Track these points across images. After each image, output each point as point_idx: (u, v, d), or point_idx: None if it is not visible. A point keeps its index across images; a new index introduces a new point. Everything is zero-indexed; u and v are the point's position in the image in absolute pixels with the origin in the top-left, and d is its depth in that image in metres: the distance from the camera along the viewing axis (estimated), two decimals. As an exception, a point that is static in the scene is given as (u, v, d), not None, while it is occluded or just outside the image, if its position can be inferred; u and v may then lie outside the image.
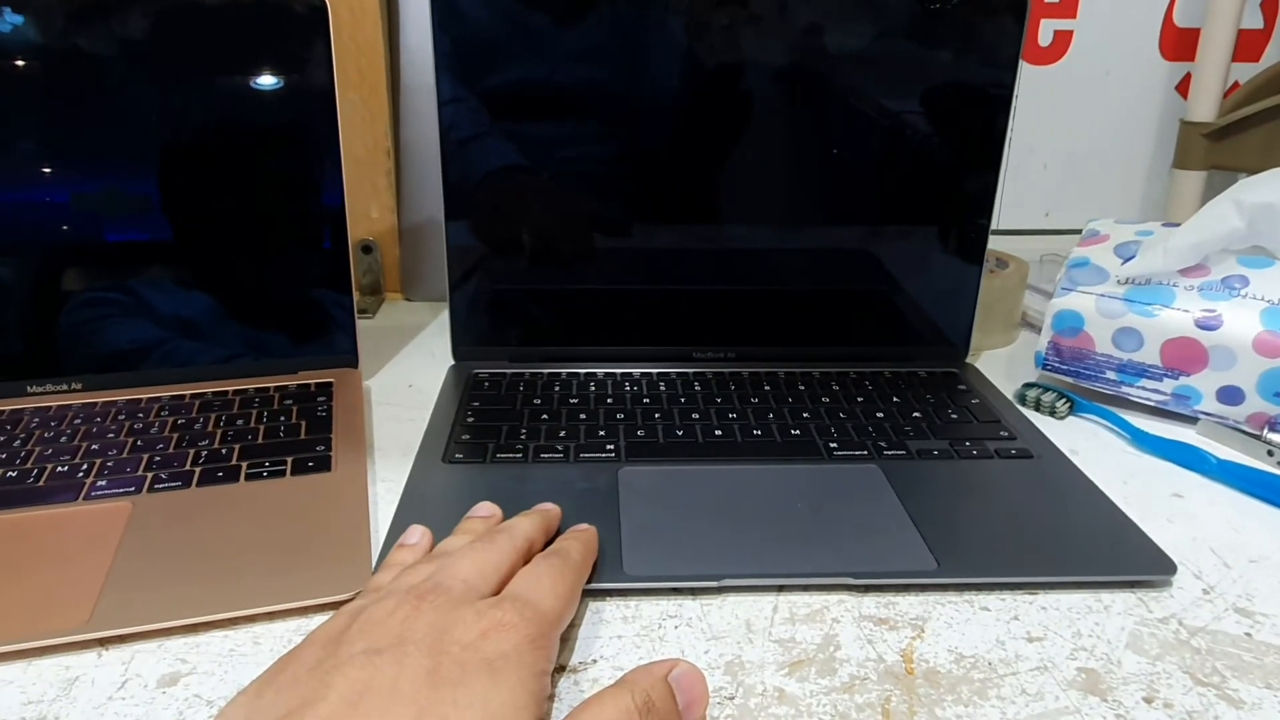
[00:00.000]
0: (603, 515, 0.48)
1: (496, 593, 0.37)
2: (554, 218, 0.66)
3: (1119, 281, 0.62)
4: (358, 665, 0.32)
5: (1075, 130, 0.93)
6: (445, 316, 0.79)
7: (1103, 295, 0.62)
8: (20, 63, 0.56)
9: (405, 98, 0.81)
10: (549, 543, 0.43)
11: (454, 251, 0.64)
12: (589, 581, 0.42)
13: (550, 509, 0.46)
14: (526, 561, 0.40)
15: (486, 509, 0.46)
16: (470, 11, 0.60)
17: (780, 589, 0.44)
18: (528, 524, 0.42)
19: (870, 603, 0.43)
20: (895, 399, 0.62)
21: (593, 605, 0.43)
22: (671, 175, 0.64)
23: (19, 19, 0.56)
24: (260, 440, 0.55)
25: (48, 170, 0.58)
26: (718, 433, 0.57)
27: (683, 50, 0.61)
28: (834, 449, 0.55)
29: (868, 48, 0.62)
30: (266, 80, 0.60)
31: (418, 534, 0.44)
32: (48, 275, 0.59)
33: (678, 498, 0.50)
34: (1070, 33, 0.90)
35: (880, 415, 0.60)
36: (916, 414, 0.60)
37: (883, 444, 0.56)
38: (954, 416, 0.60)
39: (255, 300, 0.63)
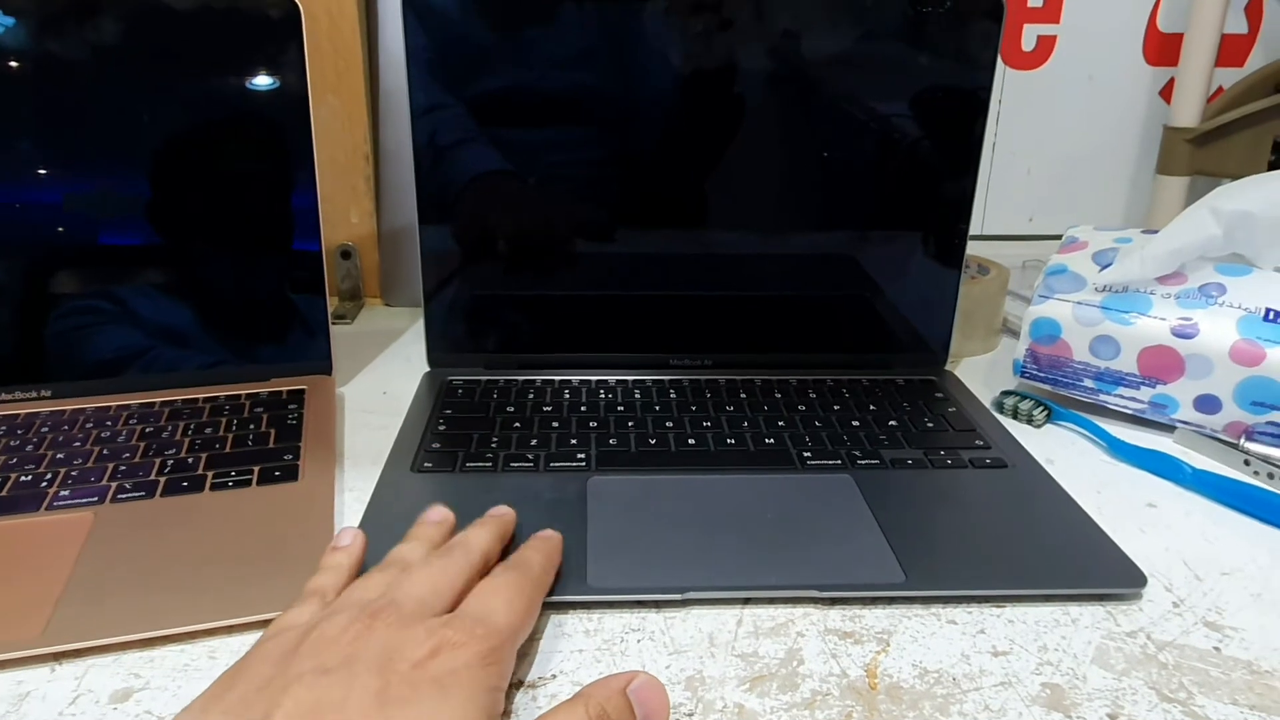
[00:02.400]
0: (569, 526, 0.47)
1: (451, 608, 0.36)
2: (530, 223, 0.65)
3: (1096, 289, 0.62)
4: (306, 685, 0.31)
5: (1059, 135, 0.93)
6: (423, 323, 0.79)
7: (1080, 303, 0.62)
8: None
9: (384, 102, 0.80)
10: (509, 549, 0.43)
11: (429, 257, 0.64)
12: (550, 594, 0.42)
13: (505, 514, 0.45)
14: (484, 574, 0.40)
15: (438, 514, 0.45)
16: (443, 17, 0.59)
17: (745, 602, 0.43)
18: (483, 536, 0.42)
19: (836, 616, 0.43)
20: (872, 407, 0.62)
21: (554, 618, 0.42)
22: (649, 181, 0.64)
23: (9, 21, 0.55)
24: (228, 449, 0.54)
25: (9, 173, 0.57)
26: (691, 441, 0.57)
27: (662, 55, 0.61)
28: (807, 458, 0.55)
29: (846, 52, 0.61)
30: (239, 84, 0.60)
31: (349, 537, 0.43)
32: (4, 281, 0.58)
33: (646, 508, 0.50)
34: (1054, 38, 0.90)
35: (855, 424, 0.59)
36: (892, 422, 0.59)
37: (856, 453, 0.55)
38: (930, 425, 0.59)
39: (227, 306, 0.63)
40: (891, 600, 0.43)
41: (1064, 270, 0.64)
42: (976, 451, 0.56)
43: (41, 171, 0.58)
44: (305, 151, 0.62)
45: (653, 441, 0.57)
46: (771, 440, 0.57)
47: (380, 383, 0.68)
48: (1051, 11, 0.89)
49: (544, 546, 0.43)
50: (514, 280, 0.66)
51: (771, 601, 0.43)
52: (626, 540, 0.46)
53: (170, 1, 0.58)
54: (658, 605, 0.43)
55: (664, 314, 0.67)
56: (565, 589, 0.43)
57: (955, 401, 0.63)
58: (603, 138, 0.63)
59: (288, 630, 0.35)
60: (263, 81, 0.60)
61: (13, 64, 0.56)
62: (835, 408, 0.61)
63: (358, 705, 0.31)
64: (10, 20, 0.56)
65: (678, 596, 0.43)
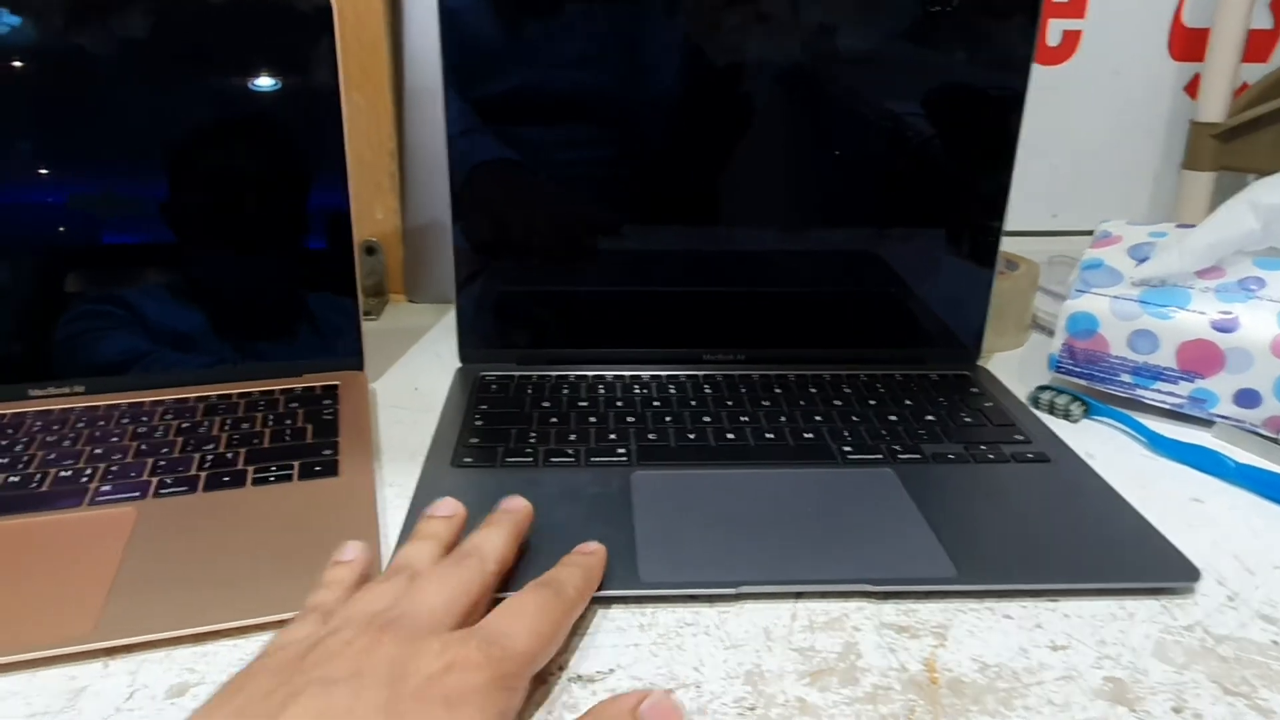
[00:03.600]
0: (616, 520, 0.47)
1: (464, 620, 0.35)
2: (562, 219, 0.65)
3: (1133, 283, 0.61)
4: (311, 694, 0.30)
5: (1083, 131, 0.93)
6: (450, 319, 0.78)
7: (1117, 297, 0.61)
8: (19, 63, 0.55)
9: (409, 98, 0.80)
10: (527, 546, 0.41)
11: (461, 254, 0.64)
12: (601, 588, 0.42)
13: (519, 509, 0.43)
14: (500, 579, 0.38)
15: (448, 507, 0.43)
16: (478, 13, 0.59)
17: (798, 596, 0.43)
18: (497, 540, 0.40)
19: (890, 610, 0.42)
20: (908, 401, 0.61)
21: (606, 612, 0.42)
22: (681, 176, 0.64)
23: (15, 20, 0.55)
24: (266, 444, 0.54)
25: (46, 172, 0.57)
26: (729, 436, 0.56)
27: (693, 52, 0.61)
28: (847, 452, 0.55)
29: (879, 48, 0.61)
30: (271, 81, 0.59)
31: (353, 551, 0.41)
32: (49, 277, 0.58)
33: (691, 502, 0.49)
34: (1079, 32, 0.90)
35: (893, 418, 0.59)
36: (930, 417, 0.59)
37: (896, 447, 0.55)
38: (968, 420, 0.59)
39: (259, 302, 0.63)
40: (944, 594, 0.43)
41: (1100, 265, 0.64)
42: (1017, 446, 0.56)
43: (76, 169, 0.57)
44: (337, 147, 0.61)
45: (692, 436, 0.56)
46: (810, 435, 0.57)
47: (410, 378, 0.67)
48: (1077, 6, 0.89)
49: (584, 564, 0.41)
50: (546, 276, 0.65)
51: (824, 595, 0.43)
52: (675, 534, 0.46)
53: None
54: (710, 600, 0.43)
55: (696, 309, 0.67)
56: (616, 583, 0.43)
57: (991, 396, 0.63)
58: (636, 133, 0.63)
59: (289, 645, 0.33)
60: (295, 78, 0.60)
61: (41, 62, 0.56)
62: (871, 402, 0.61)
63: (364, 716, 0.30)
64: (36, 19, 0.55)
65: (730, 591, 0.43)
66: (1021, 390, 0.65)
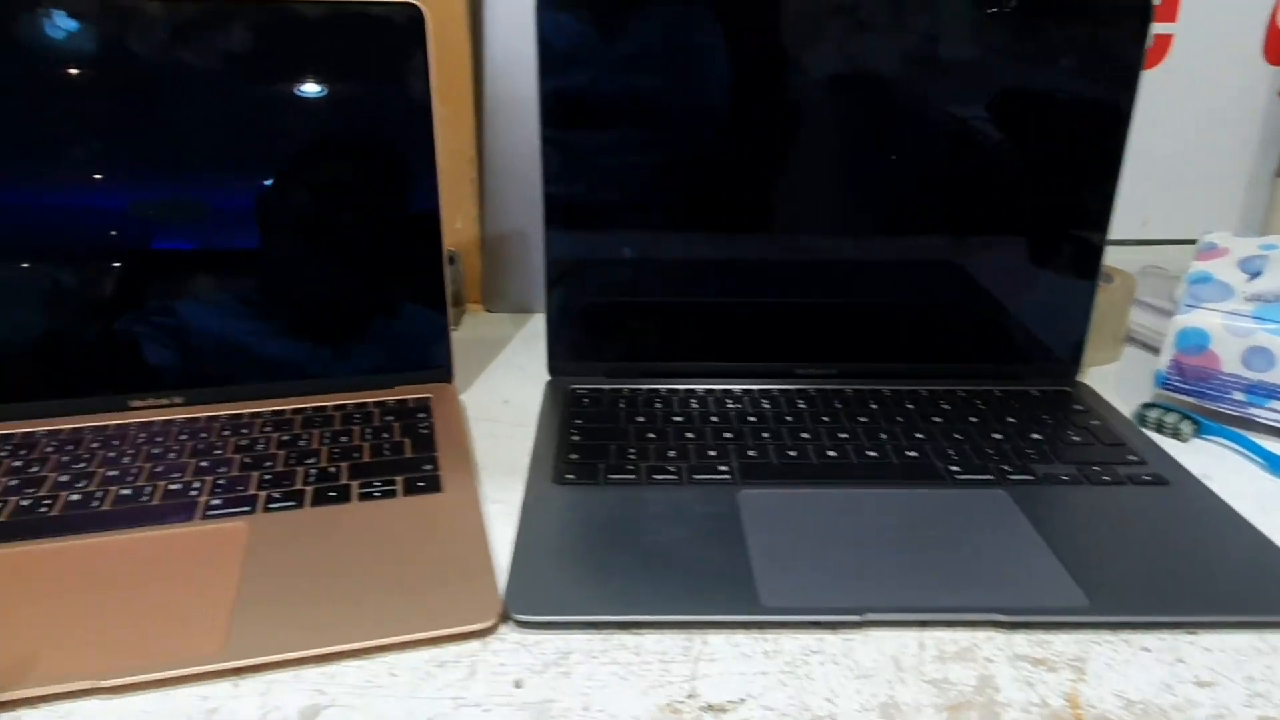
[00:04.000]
0: (727, 541, 0.46)
1: None
2: (653, 230, 0.64)
3: (1246, 298, 0.59)
4: None
5: (1174, 136, 0.90)
6: (530, 329, 0.79)
7: (1230, 312, 0.59)
8: (115, 72, 0.55)
9: (490, 106, 0.80)
10: None
11: (552, 265, 0.63)
12: (721, 612, 0.41)
13: None
14: None
15: None
16: (575, 21, 0.58)
17: (923, 624, 0.42)
18: None
19: (1021, 641, 0.41)
20: (1010, 419, 0.60)
21: (729, 638, 0.41)
22: (772, 185, 0.63)
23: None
24: (366, 458, 0.54)
25: (145, 179, 0.57)
26: (831, 453, 0.55)
27: (794, 59, 0.60)
28: (955, 472, 0.53)
29: (983, 55, 0.60)
30: (364, 90, 0.59)
31: None
32: (143, 286, 0.58)
33: (801, 523, 0.48)
34: (1170, 36, 0.87)
35: (998, 436, 0.57)
36: (1036, 435, 0.58)
37: (1006, 467, 0.54)
38: (1075, 439, 0.57)
39: (351, 314, 0.63)
40: (1077, 625, 0.42)
41: (1209, 278, 0.62)
42: (1131, 467, 0.54)
43: (168, 177, 0.57)
44: (428, 157, 0.61)
45: (793, 454, 0.55)
46: (914, 453, 0.55)
47: (497, 390, 0.67)
48: (1168, 9, 0.87)
49: None
50: (637, 287, 0.65)
51: (950, 624, 0.42)
52: (790, 557, 0.45)
53: (298, 8, 0.58)
54: (833, 626, 0.42)
55: (788, 322, 0.65)
56: (736, 607, 0.42)
57: (1096, 414, 0.61)
58: (728, 142, 0.62)
59: None
60: (388, 88, 0.60)
61: (147, 71, 0.56)
62: (972, 419, 0.60)
63: None
64: (142, 30, 0.55)
65: (856, 618, 0.42)
66: (1122, 407, 0.63)
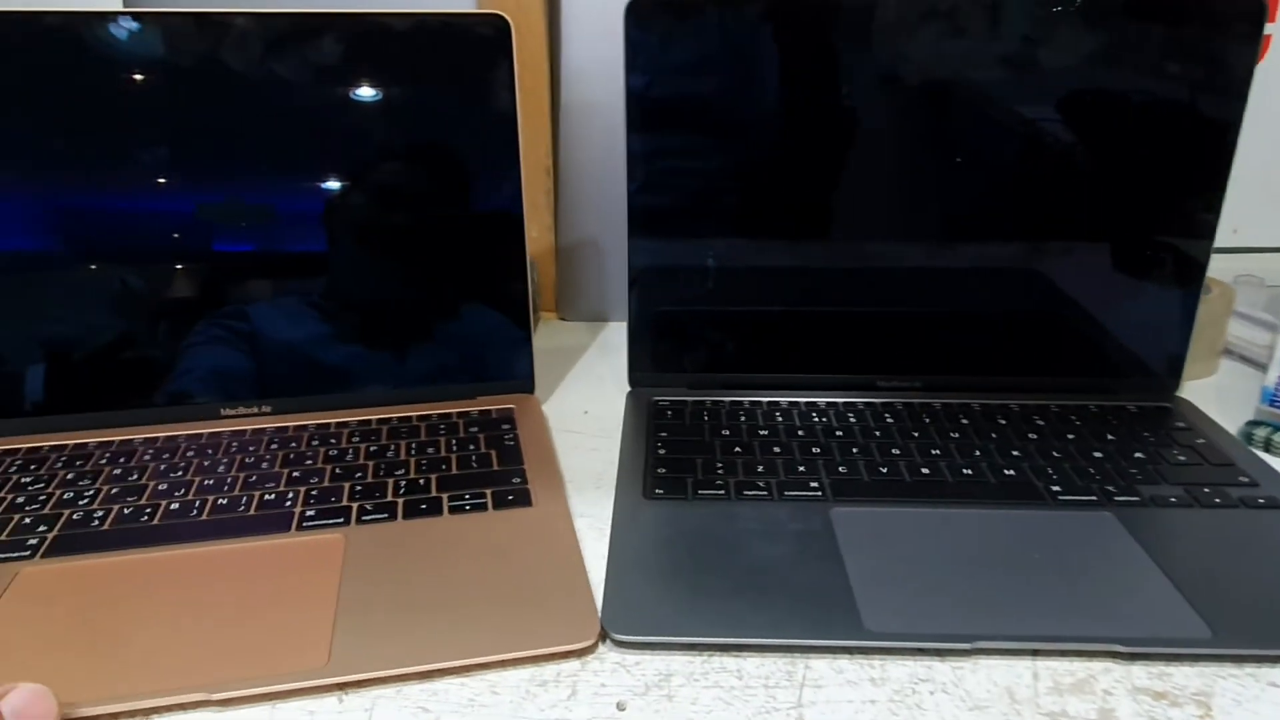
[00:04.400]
0: (825, 561, 0.45)
1: None
2: (736, 238, 0.63)
3: (1364, 312, 0.57)
4: None
5: (1266, 141, 0.86)
6: (606, 337, 0.79)
7: (1347, 327, 0.56)
8: (210, 83, 0.56)
9: (565, 115, 0.80)
10: None
11: (636, 274, 0.63)
12: (825, 636, 0.40)
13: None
14: None
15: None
16: (665, 30, 0.58)
17: (1035, 653, 0.40)
18: None
19: (1140, 673, 0.39)
20: (1109, 436, 0.58)
21: (833, 663, 0.40)
22: (854, 193, 0.61)
23: (224, 49, 0.56)
24: (454, 470, 0.54)
25: (225, 184, 0.57)
26: (924, 471, 0.54)
27: (884, 65, 0.58)
28: (1056, 492, 0.52)
29: (1087, 61, 0.58)
30: (450, 100, 0.60)
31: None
32: (230, 293, 0.59)
33: (899, 544, 0.47)
34: (1268, 37, 0.84)
35: (1098, 455, 0.55)
36: (1138, 454, 0.56)
37: (1110, 488, 0.52)
38: (1180, 458, 0.55)
39: (435, 323, 0.63)
40: (1199, 657, 0.40)
41: (1322, 291, 0.59)
42: (1243, 489, 0.52)
43: (250, 181, 0.58)
44: (512, 166, 0.61)
45: (884, 470, 0.54)
46: (1011, 472, 0.54)
47: (577, 401, 0.67)
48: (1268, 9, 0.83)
49: None
50: (720, 296, 0.64)
51: (1064, 654, 0.40)
52: (892, 579, 0.44)
53: (386, 20, 0.58)
54: (940, 653, 0.41)
55: (871, 332, 0.64)
56: (839, 631, 0.41)
57: (1200, 431, 0.58)
58: (812, 150, 0.61)
59: None
60: (474, 97, 0.60)
61: (243, 79, 0.57)
62: (1069, 436, 0.58)
63: None
64: (238, 44, 0.56)
65: (966, 646, 0.40)
66: (1225, 424, 0.61)
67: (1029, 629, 0.41)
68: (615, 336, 0.79)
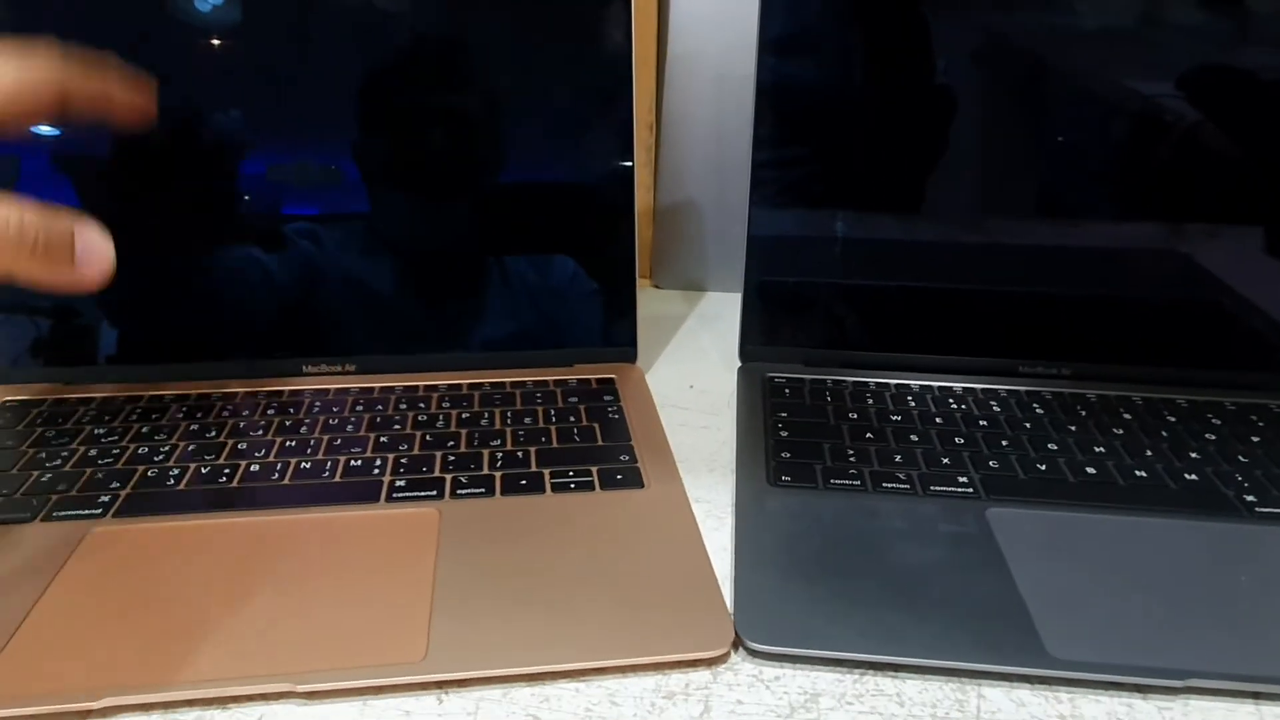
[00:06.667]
0: (987, 569, 0.39)
1: None
2: (863, 208, 0.57)
3: None
4: None
5: None
6: (705, 307, 0.73)
7: None
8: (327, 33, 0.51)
9: (671, 68, 0.73)
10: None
11: (755, 243, 0.57)
12: (1003, 663, 0.34)
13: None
14: None
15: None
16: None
17: (1257, 695, 0.34)
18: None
19: (1393, 729, 0.32)
20: (1303, 441, 0.50)
21: (1011, 693, 0.34)
22: (989, 164, 0.55)
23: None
24: (555, 444, 0.49)
25: (333, 140, 0.53)
26: (1090, 470, 0.47)
27: (1030, 45, 0.51)
28: (1252, 503, 0.44)
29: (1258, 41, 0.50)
30: (566, 49, 0.54)
31: None
32: (315, 249, 0.55)
33: (1074, 554, 0.41)
34: None
35: (1293, 462, 0.48)
36: (1342, 463, 0.48)
37: (1316, 501, 0.44)
38: (1395, 470, 0.47)
39: (535, 284, 0.58)
40: None
41: None
42: None
43: (346, 143, 0.53)
44: (625, 120, 0.56)
45: (1042, 467, 0.47)
46: (1194, 476, 0.47)
47: (682, 374, 0.61)
48: None
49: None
50: (843, 269, 0.57)
51: (1293, 699, 0.34)
52: (1072, 596, 0.38)
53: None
54: (1141, 690, 0.34)
55: (1011, 313, 0.57)
56: (1016, 657, 0.35)
57: None
58: (946, 119, 0.54)
59: None
60: (589, 46, 0.54)
61: (361, 37, 0.52)
62: (1254, 439, 0.50)
63: None
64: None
65: (1176, 684, 0.34)
66: None
67: (1252, 668, 0.34)
68: (714, 306, 0.73)
